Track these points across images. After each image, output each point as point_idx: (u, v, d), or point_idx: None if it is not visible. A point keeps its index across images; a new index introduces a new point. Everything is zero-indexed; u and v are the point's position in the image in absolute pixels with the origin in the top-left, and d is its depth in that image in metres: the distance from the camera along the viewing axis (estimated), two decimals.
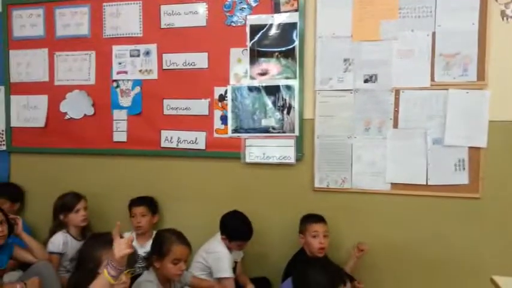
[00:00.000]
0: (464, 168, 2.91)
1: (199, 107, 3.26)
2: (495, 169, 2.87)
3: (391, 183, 3.01)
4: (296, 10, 3.04)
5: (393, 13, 2.90)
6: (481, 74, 2.84)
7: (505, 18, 2.80)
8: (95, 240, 2.44)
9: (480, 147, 2.88)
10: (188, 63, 3.26)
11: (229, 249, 2.94)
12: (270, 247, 3.22)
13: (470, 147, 2.89)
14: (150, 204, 3.31)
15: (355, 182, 3.06)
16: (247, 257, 3.18)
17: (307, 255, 2.89)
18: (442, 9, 2.85)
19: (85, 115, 3.53)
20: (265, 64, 3.11)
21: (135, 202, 3.28)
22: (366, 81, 2.97)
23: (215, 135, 3.25)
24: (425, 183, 2.96)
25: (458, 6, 2.83)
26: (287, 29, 3.06)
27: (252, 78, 3.15)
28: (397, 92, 2.95)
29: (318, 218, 2.92)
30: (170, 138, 3.33)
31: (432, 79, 2.90)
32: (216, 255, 2.89)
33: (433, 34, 2.87)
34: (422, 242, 3.01)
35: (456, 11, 2.83)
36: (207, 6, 3.21)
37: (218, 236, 2.97)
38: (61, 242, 3.08)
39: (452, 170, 2.92)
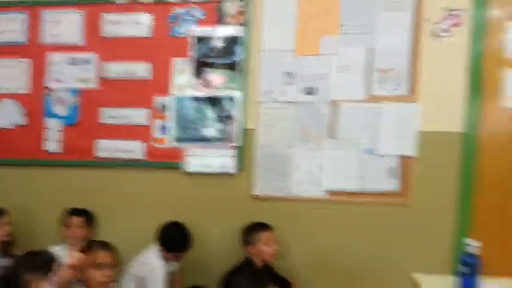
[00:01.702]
0: (395, 176, 2.88)
1: (139, 116, 3.02)
2: (424, 177, 2.86)
3: (328, 191, 2.93)
4: (242, 24, 2.89)
5: (334, 29, 2.82)
6: (413, 88, 2.83)
7: (434, 37, 2.79)
8: (26, 261, 2.08)
9: (410, 156, 2.86)
10: (130, 73, 3.02)
11: (167, 260, 2.72)
12: (210, 256, 3.03)
13: (401, 156, 2.87)
14: (88, 216, 3.01)
15: (294, 190, 2.94)
16: (187, 266, 2.96)
17: (255, 265, 2.72)
18: (379, 27, 2.80)
19: (17, 125, 3.17)
20: (209, 75, 2.93)
21: (74, 212, 2.97)
22: (306, 93, 2.87)
23: (154, 145, 3.02)
24: (359, 190, 2.90)
25: (394, 25, 2.79)
26: (232, 41, 2.91)
27: (195, 88, 2.96)
28: (335, 104, 2.87)
29: (267, 226, 2.79)
30: (107, 148, 3.06)
31: (368, 92, 2.85)
32: (149, 267, 2.68)
33: (370, 50, 2.82)
34: (355, 246, 2.95)
35: (391, 29, 2.80)
36: (152, 17, 3.00)
37: (154, 247, 2.75)
38: None
39: (384, 177, 2.88)
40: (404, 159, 2.86)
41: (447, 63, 2.80)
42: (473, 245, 1.68)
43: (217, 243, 3.02)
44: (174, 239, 2.73)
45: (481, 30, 2.78)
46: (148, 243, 2.80)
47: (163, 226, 2.77)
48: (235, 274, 2.65)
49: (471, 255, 1.68)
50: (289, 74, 2.86)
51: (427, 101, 2.81)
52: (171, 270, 2.80)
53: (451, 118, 2.83)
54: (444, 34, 2.77)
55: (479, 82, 2.82)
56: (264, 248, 2.71)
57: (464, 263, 1.68)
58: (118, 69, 3.02)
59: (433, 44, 2.79)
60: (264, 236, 2.73)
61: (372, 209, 2.91)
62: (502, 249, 2.91)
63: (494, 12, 2.79)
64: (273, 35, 2.86)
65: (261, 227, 2.77)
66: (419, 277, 1.84)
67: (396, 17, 2.77)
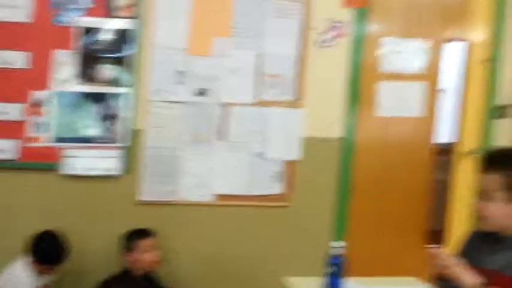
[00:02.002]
0: (280, 180, 2.92)
1: (11, 111, 2.62)
2: (304, 180, 2.94)
3: (217, 195, 2.86)
4: (133, 17, 2.67)
5: (226, 31, 2.76)
6: (299, 94, 2.90)
7: (319, 46, 2.89)
8: None
9: (294, 160, 2.93)
10: (1, 62, 2.59)
11: (39, 273, 2.43)
12: (91, 266, 2.75)
13: (286, 161, 2.92)
14: None
15: (183, 194, 2.81)
16: (64, 277, 2.65)
17: (133, 274, 2.56)
18: (268, 32, 2.81)
19: None
20: (96, 70, 2.66)
21: None
22: (197, 94, 2.77)
23: (29, 144, 2.64)
24: (247, 193, 2.89)
25: (282, 31, 2.83)
26: (122, 35, 2.66)
27: (78, 83, 2.66)
28: (226, 107, 2.82)
29: (147, 233, 2.61)
30: None
31: (257, 96, 2.85)
32: (15, 281, 2.38)
33: (260, 55, 2.82)
34: (240, 250, 2.92)
35: (280, 35, 2.83)
36: (31, 0, 2.60)
37: (22, 259, 2.43)
38: None
39: (271, 181, 2.91)
40: (289, 163, 2.92)
41: (330, 72, 2.93)
42: (338, 246, 1.73)
43: (98, 253, 2.76)
44: (46, 250, 2.44)
45: (360, 44, 2.96)
46: (18, 255, 2.45)
47: (36, 236, 2.45)
48: (111, 284, 2.49)
49: (336, 256, 1.72)
50: (180, 73, 2.73)
51: (311, 108, 2.90)
52: (43, 284, 2.49)
53: (332, 124, 2.97)
54: (328, 44, 2.89)
55: (357, 92, 2.99)
56: (144, 255, 2.55)
57: (330, 264, 1.72)
58: None
59: (318, 53, 2.89)
60: (143, 243, 2.56)
61: (258, 213, 2.91)
62: (375, 249, 3.12)
63: (372, 28, 2.99)
64: (166, 31, 2.70)
65: (141, 233, 2.60)
66: (288, 280, 1.86)
67: (285, 24, 2.82)
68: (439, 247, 1.56)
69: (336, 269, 1.71)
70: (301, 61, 2.86)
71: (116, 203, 2.75)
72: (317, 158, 2.95)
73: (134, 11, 2.66)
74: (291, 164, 2.92)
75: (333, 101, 2.96)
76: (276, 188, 2.91)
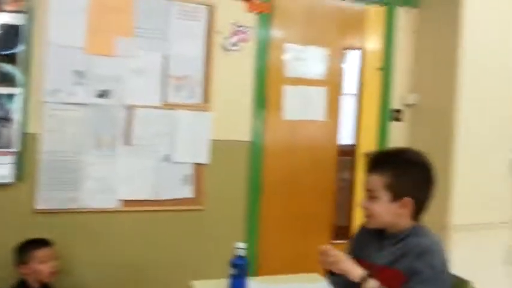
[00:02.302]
0: (190, 183, 2.85)
1: None
2: (215, 183, 2.90)
3: (123, 200, 2.72)
4: (22, 11, 2.44)
5: (129, 31, 2.64)
6: (206, 97, 2.86)
7: (225, 50, 2.88)
8: None
9: (203, 164, 2.88)
10: None
11: None
12: None
13: (195, 164, 2.86)
14: None
15: (86, 201, 2.63)
16: None
17: (29, 286, 2.34)
18: (173, 34, 2.75)
19: None
20: None
21: None
22: (98, 96, 2.61)
23: None
24: (155, 198, 2.78)
25: (187, 33, 2.78)
26: (11, 30, 2.42)
27: None
28: (130, 109, 2.69)
29: (43, 242, 2.40)
30: None
31: (163, 99, 2.76)
32: None
33: (166, 56, 2.74)
34: (150, 257, 2.80)
35: (185, 37, 2.77)
36: None
37: None
38: None
39: (180, 184, 2.83)
40: (198, 167, 2.86)
41: (236, 76, 2.94)
42: (241, 247, 1.74)
43: None
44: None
45: (265, 49, 3.00)
46: None
47: None
48: None
49: (240, 257, 1.72)
50: (79, 73, 2.55)
51: (219, 111, 2.87)
52: None
53: (240, 127, 2.97)
54: (233, 48, 2.89)
55: (263, 95, 3.02)
56: (40, 266, 2.34)
57: (234, 265, 1.72)
58: None
59: (224, 57, 2.88)
60: (39, 253, 2.35)
61: (169, 217, 2.81)
62: (287, 248, 3.14)
63: (276, 33, 3.05)
64: (61, 28, 2.51)
65: (36, 243, 2.38)
66: (194, 284, 1.86)
67: (190, 27, 2.77)
68: (328, 245, 1.59)
69: (239, 270, 1.71)
70: (208, 64, 2.83)
71: (10, 212, 2.49)
72: (226, 161, 2.93)
73: (24, 5, 2.43)
74: (200, 167, 2.86)
75: (240, 104, 2.96)
76: (186, 192, 2.83)
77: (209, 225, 2.90)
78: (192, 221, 2.86)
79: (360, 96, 3.40)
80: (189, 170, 2.83)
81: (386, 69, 3.39)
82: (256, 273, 3.00)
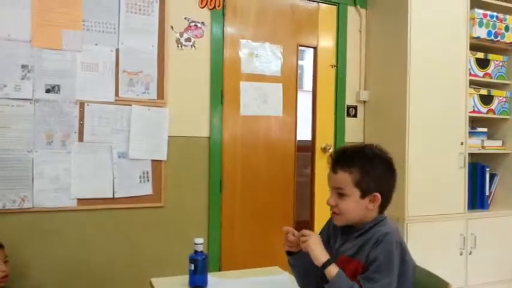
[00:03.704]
0: (148, 180, 2.69)
1: None
2: (174, 179, 2.75)
3: (78, 199, 2.52)
4: None
5: (76, 24, 2.47)
6: (161, 93, 2.71)
7: (179, 45, 2.74)
8: None
9: (161, 160, 2.71)
10: None
11: None
12: None
13: (152, 160, 2.69)
14: None
15: (38, 201, 2.42)
16: None
17: None
18: (124, 28, 2.59)
19: None
20: None
21: None
22: (47, 91, 2.42)
23: None
24: (112, 196, 2.59)
25: (139, 28, 2.63)
26: None
27: None
28: (82, 104, 2.51)
29: None
30: None
31: (117, 94, 2.59)
32: None
33: (117, 51, 2.58)
34: (111, 254, 2.61)
35: (137, 32, 2.63)
36: None
37: None
38: None
39: (138, 181, 2.66)
40: (156, 163, 2.69)
41: (192, 71, 2.81)
42: (199, 242, 1.66)
43: None
44: None
45: (220, 44, 2.88)
46: None
47: None
48: None
49: (198, 253, 1.64)
50: (26, 67, 2.36)
51: (175, 107, 2.73)
52: None
53: (199, 124, 2.84)
54: (188, 43, 2.75)
55: (220, 91, 2.89)
56: None
57: (193, 261, 1.63)
58: None
59: (179, 52, 2.75)
60: None
61: (126, 215, 2.63)
62: (249, 242, 2.98)
63: (230, 30, 2.92)
64: (4, 20, 2.31)
65: None
66: (155, 281, 1.73)
67: (141, 20, 2.62)
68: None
69: (198, 265, 1.62)
70: (162, 59, 2.69)
71: None
72: (185, 157, 2.79)
73: None
74: (158, 164, 2.70)
75: (197, 100, 2.83)
76: (145, 189, 2.66)
77: (169, 222, 2.73)
78: (152, 218, 2.69)
79: (316, 92, 3.30)
80: (147, 167, 2.66)
81: (339, 66, 3.31)
82: (219, 269, 2.85)
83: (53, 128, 2.42)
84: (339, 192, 1.42)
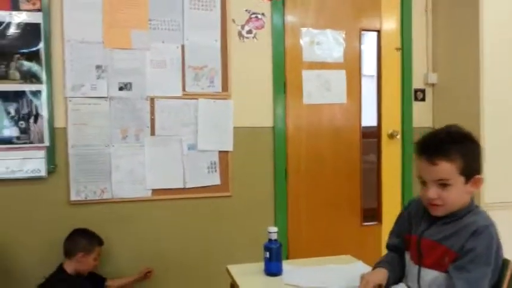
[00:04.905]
0: (216, 170, 2.69)
1: None
2: (240, 169, 2.72)
3: (152, 190, 2.58)
4: (39, 10, 2.34)
5: (144, 24, 2.51)
6: (225, 86, 2.68)
7: (241, 37, 2.69)
8: None
9: (228, 151, 2.69)
10: None
11: None
12: (24, 272, 2.38)
13: (220, 151, 2.68)
14: None
15: (116, 192, 2.51)
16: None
17: (65, 274, 2.23)
18: (189, 24, 2.59)
19: None
20: (4, 67, 2.31)
21: None
22: (120, 89, 2.50)
23: None
24: (183, 186, 2.62)
25: (202, 23, 2.62)
26: (29, 29, 2.33)
27: None
28: (152, 100, 2.56)
29: (101, 241, 2.35)
30: None
31: (184, 89, 2.61)
32: None
33: (183, 47, 2.59)
34: (182, 242, 2.64)
35: (201, 27, 2.62)
36: None
37: None
38: None
39: (206, 172, 2.66)
40: (223, 154, 2.68)
41: (254, 63, 2.75)
42: (273, 231, 1.63)
43: (32, 256, 2.38)
44: None
45: (281, 35, 2.79)
46: None
47: None
48: (54, 283, 2.17)
49: (272, 241, 1.62)
50: (100, 67, 2.43)
51: (239, 98, 2.70)
52: None
53: (262, 114, 2.78)
54: (249, 35, 2.70)
55: (283, 81, 2.80)
56: (93, 261, 2.28)
57: (268, 249, 1.61)
58: None
59: (241, 44, 2.70)
60: (98, 250, 2.30)
61: (196, 205, 2.65)
62: (315, 231, 2.89)
63: (290, 19, 2.81)
64: (77, 24, 2.40)
65: (99, 240, 2.33)
66: (232, 268, 1.71)
67: (204, 16, 2.60)
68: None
69: (272, 253, 1.59)
70: (225, 53, 2.66)
71: (45, 205, 2.40)
72: (251, 147, 2.75)
73: (40, 4, 2.32)
74: (225, 155, 2.68)
75: (260, 91, 2.78)
76: (213, 179, 2.66)
77: (237, 211, 2.72)
78: (220, 207, 2.70)
79: (380, 77, 3.09)
80: (214, 158, 2.66)
81: (405, 49, 3.08)
82: (286, 257, 2.80)
83: (127, 123, 2.49)
84: (442, 183, 1.28)
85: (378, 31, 3.08)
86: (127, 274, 2.47)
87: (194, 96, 2.59)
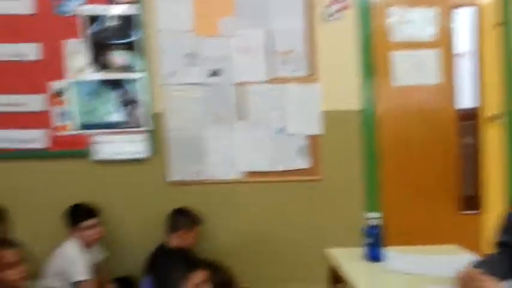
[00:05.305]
0: (304, 154, 2.65)
1: (34, 103, 2.51)
2: (329, 153, 2.66)
3: (243, 172, 2.63)
4: (135, 2, 2.50)
5: (230, 11, 2.56)
6: (312, 69, 2.65)
7: (326, 20, 2.64)
8: None
9: (316, 134, 2.65)
10: (15, 55, 2.47)
11: (85, 245, 2.33)
12: (129, 245, 2.59)
13: (308, 135, 2.65)
14: None
15: (210, 173, 2.60)
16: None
17: (169, 248, 2.38)
18: (274, 9, 2.60)
19: None
20: (107, 57, 2.52)
21: None
22: (210, 75, 2.58)
23: (56, 133, 2.54)
24: (272, 169, 2.63)
25: (287, 8, 2.60)
26: (127, 21, 2.50)
27: (92, 71, 2.52)
28: (241, 86, 2.61)
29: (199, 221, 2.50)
30: (3, 138, 2.51)
31: (271, 74, 2.61)
32: (69, 259, 2.28)
33: (268, 32, 2.60)
34: (274, 224, 2.65)
35: (286, 12, 2.60)
36: None
37: (70, 240, 2.34)
38: None
39: (295, 156, 2.64)
40: (311, 138, 2.65)
41: (341, 45, 2.67)
42: (374, 216, 1.60)
43: (135, 232, 2.58)
44: (75, 208, 2.38)
45: (367, 15, 2.70)
46: (58, 237, 2.35)
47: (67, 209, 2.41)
48: (160, 255, 2.31)
49: (374, 227, 1.58)
50: (191, 55, 2.54)
51: (327, 81, 2.64)
52: (95, 261, 2.40)
53: (350, 97, 2.68)
54: (334, 17, 2.63)
55: (370, 63, 2.71)
56: (189, 237, 2.40)
57: (368, 235, 1.58)
58: (3, 51, 2.47)
59: (326, 27, 2.64)
60: (197, 229, 2.45)
61: (286, 187, 2.65)
62: (409, 218, 2.74)
63: None
64: (169, 14, 2.52)
65: (196, 220, 2.45)
66: (331, 252, 1.70)
67: (289, 0, 2.59)
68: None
69: (374, 239, 1.57)
70: (311, 36, 2.63)
71: (147, 184, 2.58)
72: (340, 131, 2.66)
73: None
74: (314, 138, 2.65)
75: (347, 73, 2.69)
76: (302, 163, 2.64)
77: (327, 195, 2.66)
78: (309, 191, 2.66)
79: (478, 55, 2.84)
80: (303, 141, 2.64)
81: (507, 24, 2.78)
82: None
83: (218, 108, 2.57)
84: None
85: (475, 6, 2.85)
86: (222, 254, 2.52)
87: (281, 80, 2.59)
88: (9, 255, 1.90)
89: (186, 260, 2.28)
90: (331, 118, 2.63)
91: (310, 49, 2.61)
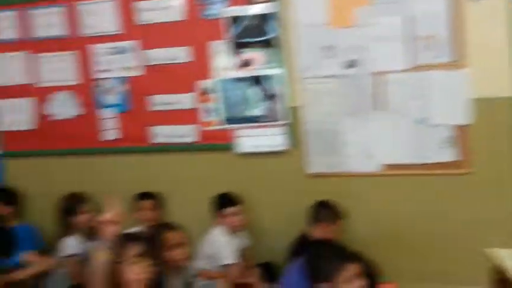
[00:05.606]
0: (450, 145, 2.44)
1: (185, 101, 2.76)
2: (483, 144, 2.40)
3: (383, 164, 2.53)
4: (271, 0, 2.56)
5: (365, 0, 2.47)
6: (458, 54, 2.41)
7: (471, 0, 2.37)
8: None
9: (465, 124, 2.42)
10: (170, 58, 2.74)
11: (231, 231, 2.49)
12: (270, 233, 2.70)
13: (456, 125, 2.43)
14: (156, 199, 2.81)
15: (347, 166, 2.56)
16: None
17: (310, 239, 2.40)
18: None
19: (72, 115, 2.98)
20: (248, 55, 2.63)
21: (144, 196, 2.78)
22: (347, 67, 2.53)
23: (204, 128, 2.76)
24: (415, 162, 2.48)
25: None
26: (265, 19, 2.59)
27: (235, 69, 2.66)
28: (378, 75, 2.50)
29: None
30: (159, 133, 2.82)
31: (411, 61, 2.46)
32: (217, 244, 2.46)
33: (407, 18, 2.44)
34: (417, 220, 2.51)
35: None
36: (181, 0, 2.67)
37: (217, 226, 2.53)
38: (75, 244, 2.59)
39: (440, 147, 2.45)
40: (460, 128, 2.42)
41: (489, 27, 2.38)
42: None
43: (274, 221, 2.66)
44: (220, 197, 2.55)
45: None
46: (208, 223, 2.56)
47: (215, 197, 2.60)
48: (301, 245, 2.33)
49: None
50: (327, 47, 2.52)
51: (475, 67, 2.39)
52: (241, 247, 2.55)
53: (501, 83, 2.38)
54: None
55: None
56: (329, 230, 2.38)
57: None
58: (159, 55, 2.73)
59: (472, 8, 2.38)
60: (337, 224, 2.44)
61: (431, 181, 2.47)
62: None
63: None
64: (305, 8, 2.53)
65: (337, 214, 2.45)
66: (496, 252, 1.58)
67: None
68: None
69: None
70: (456, 18, 2.40)
71: (287, 176, 2.65)
72: (490, 120, 2.39)
73: None
74: (462, 129, 2.42)
75: (498, 57, 2.39)
76: (447, 155, 2.43)
77: (479, 190, 2.41)
78: (459, 185, 2.43)
79: None
80: (449, 132, 2.43)
81: None
82: None
83: (355, 99, 2.51)
84: None
85: None
86: (361, 247, 2.34)
87: (423, 67, 2.41)
88: (174, 237, 2.05)
89: (335, 252, 2.25)
90: (481, 106, 2.37)
91: (455, 33, 2.38)
